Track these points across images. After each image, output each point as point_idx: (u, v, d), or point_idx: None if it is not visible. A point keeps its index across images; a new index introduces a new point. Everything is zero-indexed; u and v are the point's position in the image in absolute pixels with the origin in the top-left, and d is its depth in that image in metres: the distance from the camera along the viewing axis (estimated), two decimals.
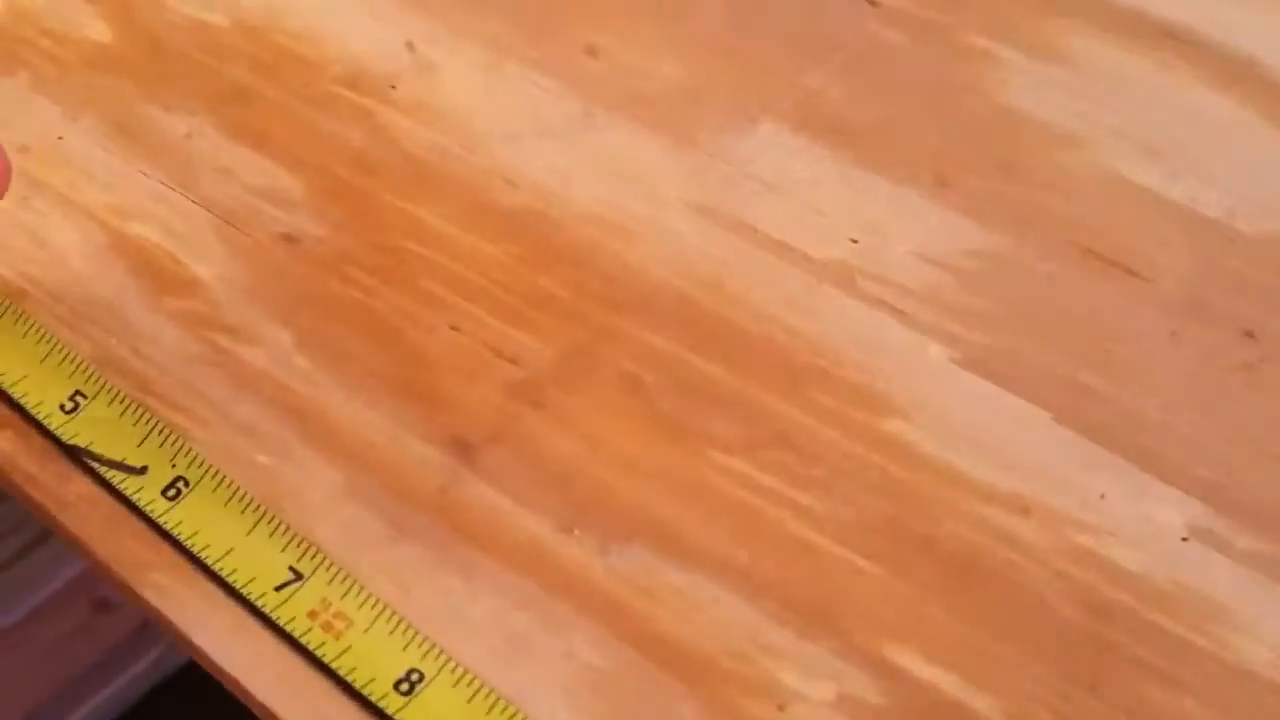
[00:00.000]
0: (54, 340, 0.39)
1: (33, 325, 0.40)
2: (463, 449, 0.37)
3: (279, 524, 0.36)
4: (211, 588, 0.35)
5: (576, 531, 0.36)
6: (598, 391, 0.38)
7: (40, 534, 0.89)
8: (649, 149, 0.44)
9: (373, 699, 0.33)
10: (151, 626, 1.01)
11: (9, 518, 0.87)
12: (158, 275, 0.41)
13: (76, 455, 0.37)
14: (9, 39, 0.47)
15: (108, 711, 1.03)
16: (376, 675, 0.33)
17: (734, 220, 0.42)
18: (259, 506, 0.36)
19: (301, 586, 0.35)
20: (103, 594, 0.95)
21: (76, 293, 0.40)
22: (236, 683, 0.34)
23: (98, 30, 0.48)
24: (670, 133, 0.44)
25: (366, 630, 0.34)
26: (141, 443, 0.37)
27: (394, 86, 0.46)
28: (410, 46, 0.47)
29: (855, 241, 0.41)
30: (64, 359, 0.39)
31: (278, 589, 0.35)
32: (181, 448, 0.37)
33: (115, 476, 0.37)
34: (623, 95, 0.45)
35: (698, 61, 0.46)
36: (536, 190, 0.43)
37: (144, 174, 0.43)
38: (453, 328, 0.39)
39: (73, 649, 0.97)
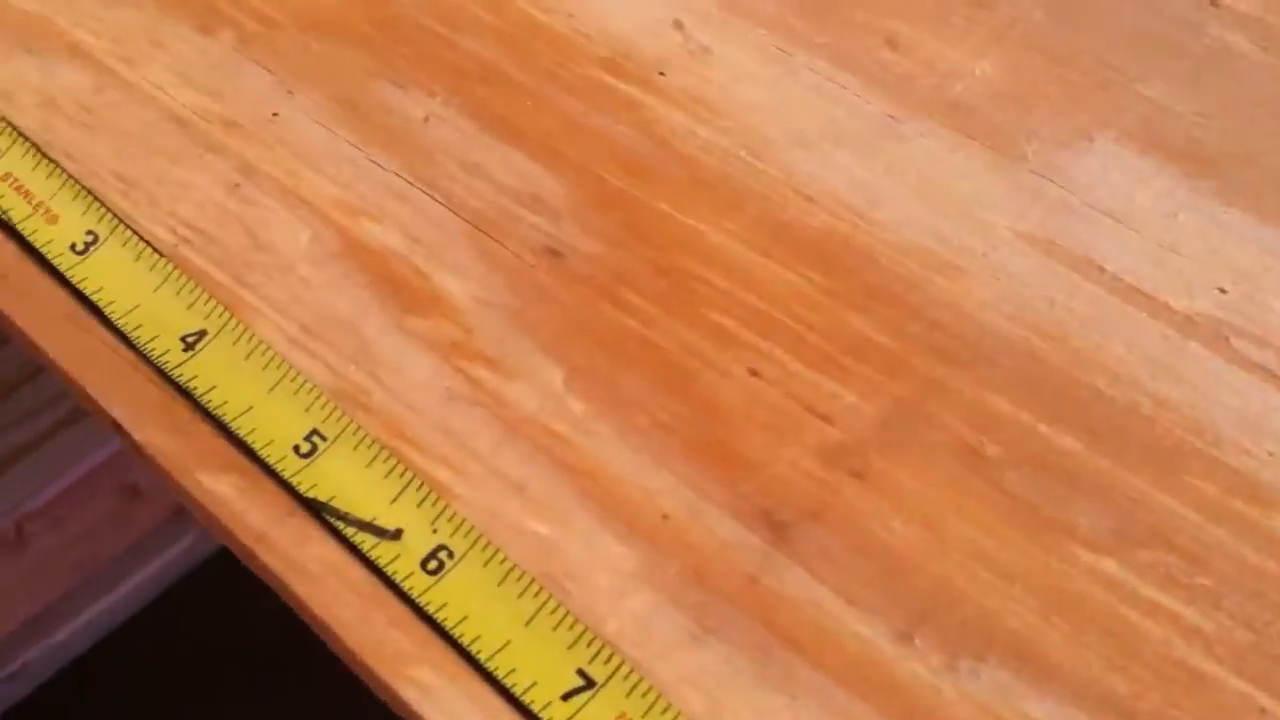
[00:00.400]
0: (285, 365, 0.33)
1: (258, 345, 0.33)
2: (774, 527, 0.31)
3: (565, 615, 0.29)
4: (485, 691, 0.29)
5: (918, 641, 0.29)
6: (930, 462, 0.32)
7: (70, 414, 0.85)
8: (969, 166, 0.37)
9: None
10: (185, 515, 0.98)
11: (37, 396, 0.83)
12: (399, 289, 0.35)
13: (317, 511, 0.31)
14: None
15: (139, 597, 1.00)
16: None
17: (1077, 258, 0.35)
18: (539, 590, 0.30)
19: (594, 697, 0.29)
20: (133, 480, 0.92)
21: (306, 306, 0.34)
22: None
23: None
24: (992, 146, 0.37)
25: None
26: (395, 500, 0.31)
27: (662, 73, 0.39)
28: (678, 25, 0.40)
29: (1223, 291, 0.34)
30: (299, 389, 0.33)
31: (565, 698, 0.29)
32: (444, 510, 0.31)
33: (364, 541, 0.31)
34: (932, 98, 0.38)
35: (1017, 61, 0.39)
36: (838, 209, 0.36)
37: (377, 164, 0.37)
38: (752, 372, 0.33)
39: (104, 535, 0.94)
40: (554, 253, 0.35)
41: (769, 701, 0.29)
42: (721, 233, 0.36)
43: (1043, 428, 0.32)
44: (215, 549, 1.02)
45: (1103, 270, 0.35)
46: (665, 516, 0.31)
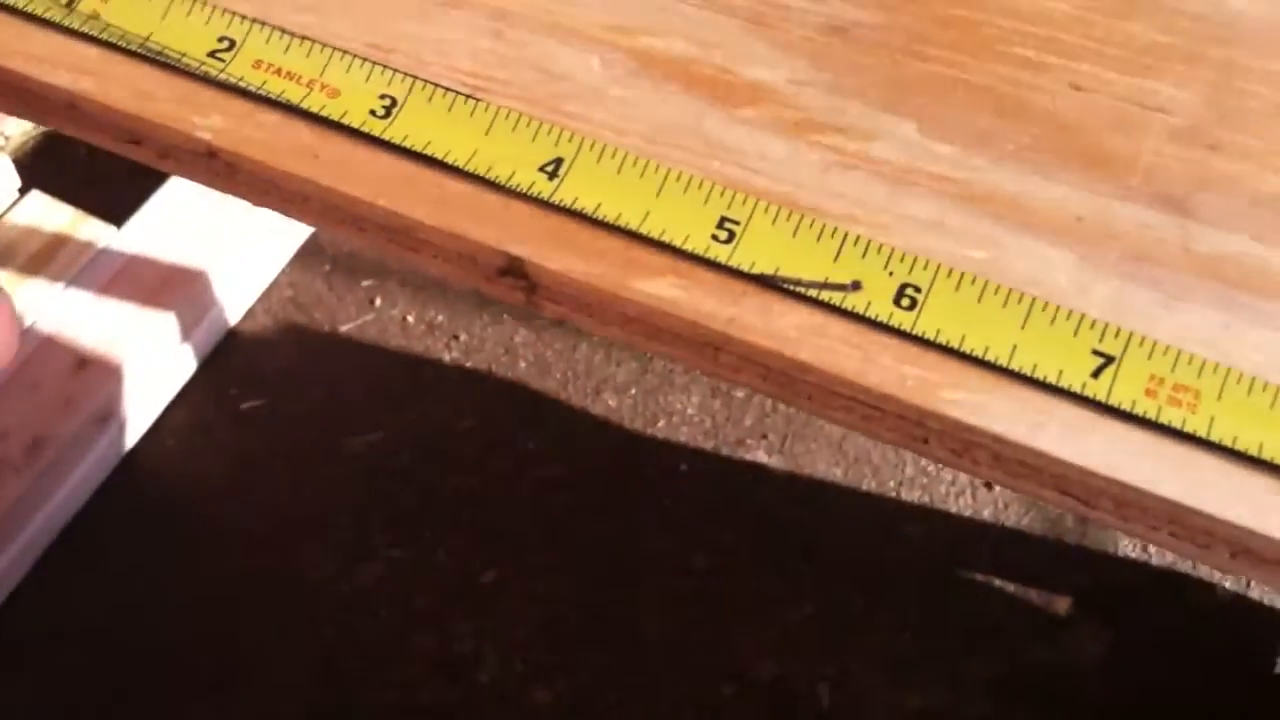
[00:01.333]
0: (663, 168, 0.33)
1: (625, 157, 0.33)
2: (1173, 204, 0.33)
3: (1056, 310, 0.31)
4: (1022, 390, 0.30)
5: None
6: (1264, 124, 0.35)
7: None
8: None
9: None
10: None
11: None
12: (715, 87, 0.35)
13: (769, 283, 0.31)
14: None
15: None
16: (1265, 439, 0.29)
17: None
18: (1021, 297, 0.31)
19: (1120, 367, 0.30)
20: None
21: (638, 120, 0.34)
22: (1092, 474, 0.29)
23: None
24: None
25: (1219, 398, 0.30)
26: (838, 257, 0.32)
27: None
28: None
29: None
30: (687, 186, 0.33)
31: (1095, 375, 0.30)
32: (891, 253, 0.32)
33: (832, 297, 0.31)
34: None
35: None
36: None
37: None
38: (1074, 87, 0.35)
39: None
40: (837, 29, 0.36)
41: (1262, 338, 0.31)
42: None
43: None
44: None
45: None
46: (1079, 218, 0.33)
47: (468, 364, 1.17)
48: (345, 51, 0.35)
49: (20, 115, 0.35)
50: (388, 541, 1.08)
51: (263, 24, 0.35)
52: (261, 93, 0.34)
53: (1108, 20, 0.37)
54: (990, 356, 0.30)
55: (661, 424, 1.10)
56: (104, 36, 0.35)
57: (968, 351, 0.30)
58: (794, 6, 0.37)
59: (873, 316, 0.31)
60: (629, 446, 1.12)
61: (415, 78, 0.34)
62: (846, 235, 0.32)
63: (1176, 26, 0.36)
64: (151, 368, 1.10)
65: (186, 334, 1.12)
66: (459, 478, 1.12)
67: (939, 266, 0.31)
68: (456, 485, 1.12)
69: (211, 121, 0.34)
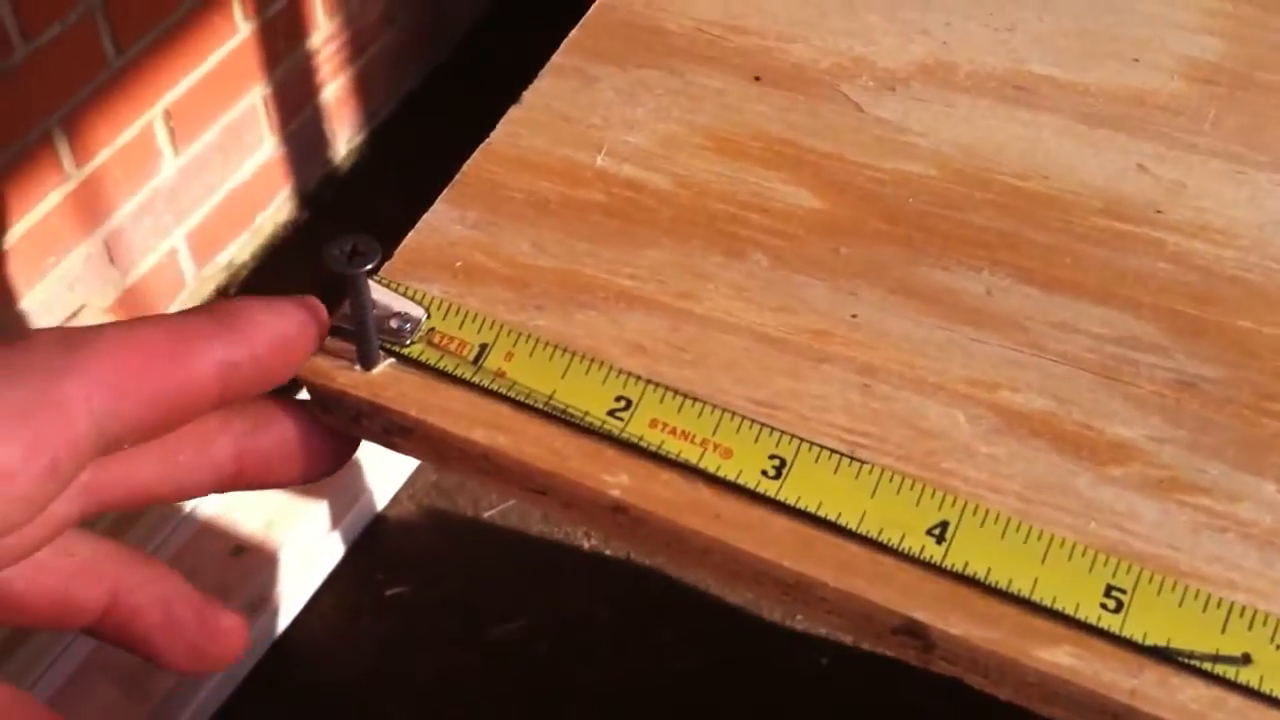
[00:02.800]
0: (1045, 534, 0.35)
1: (1007, 521, 0.35)
2: None
3: None
4: None
5: None
6: None
7: None
8: None
9: None
10: None
11: None
12: (1079, 445, 0.37)
13: (1164, 656, 0.33)
14: (708, 216, 0.43)
15: None
16: None
17: None
18: None
19: None
20: None
21: (1011, 478, 0.36)
22: None
23: (802, 197, 0.43)
24: None
25: None
26: (1224, 628, 0.33)
27: (1159, 210, 0.43)
28: (1142, 168, 0.44)
29: None
30: (1071, 553, 0.35)
31: None
32: (1279, 624, 0.33)
33: (1224, 670, 0.33)
34: None
35: None
36: None
37: (978, 341, 0.39)
38: None
39: None
40: (1186, 384, 0.39)
41: None
42: None
43: None
44: None
45: None
46: None
47: (606, 551, 1.19)
48: (731, 411, 0.37)
49: (432, 463, 0.39)
50: None
51: (655, 384, 0.38)
52: (660, 452, 0.37)
53: None
54: None
55: (801, 616, 1.12)
56: (510, 394, 0.38)
57: None
58: (1140, 360, 0.39)
59: (1267, 691, 0.33)
60: (767, 638, 1.13)
61: (800, 439, 0.37)
62: (1232, 606, 0.34)
63: None
64: (304, 554, 1.13)
65: (337, 520, 1.16)
66: (598, 668, 1.14)
67: None
68: (596, 677, 1.13)
69: (619, 479, 0.37)
